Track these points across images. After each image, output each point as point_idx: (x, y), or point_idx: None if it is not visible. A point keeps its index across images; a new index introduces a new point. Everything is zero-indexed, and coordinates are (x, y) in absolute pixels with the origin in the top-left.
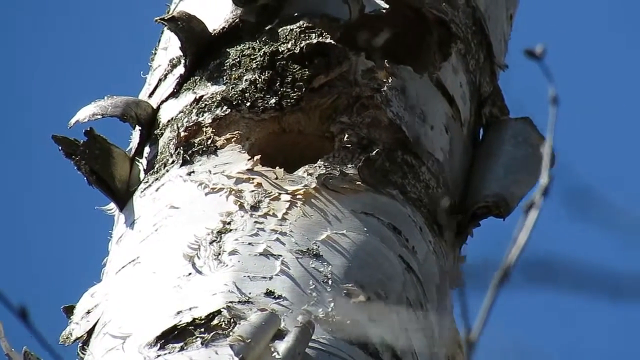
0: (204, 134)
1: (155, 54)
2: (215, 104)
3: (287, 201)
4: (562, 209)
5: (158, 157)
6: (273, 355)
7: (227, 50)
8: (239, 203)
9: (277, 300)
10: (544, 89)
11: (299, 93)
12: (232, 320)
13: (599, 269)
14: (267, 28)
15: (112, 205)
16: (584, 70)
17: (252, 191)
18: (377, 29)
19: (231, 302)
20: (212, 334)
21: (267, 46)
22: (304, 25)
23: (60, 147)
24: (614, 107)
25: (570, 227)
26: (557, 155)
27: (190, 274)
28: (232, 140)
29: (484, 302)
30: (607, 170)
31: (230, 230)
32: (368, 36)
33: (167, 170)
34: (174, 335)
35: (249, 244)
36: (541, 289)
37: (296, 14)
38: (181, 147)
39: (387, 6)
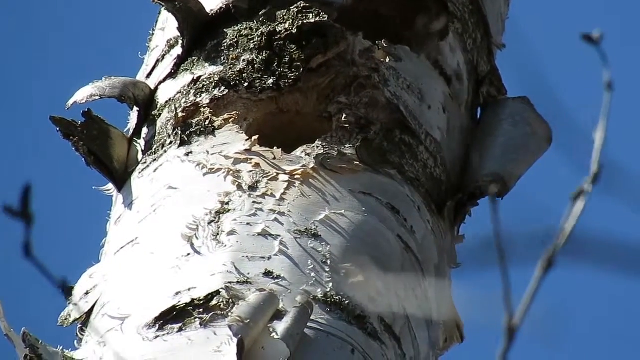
0: (202, 114)
1: (153, 34)
2: (213, 84)
3: (285, 181)
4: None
5: (156, 138)
6: (272, 335)
7: (225, 30)
8: (237, 183)
9: (276, 281)
10: (599, 74)
11: (297, 73)
12: (230, 300)
13: (630, 244)
14: (261, 12)
15: (111, 186)
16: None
17: (250, 171)
18: (436, 13)
19: (230, 282)
20: (210, 314)
21: (264, 26)
22: (302, 5)
23: (58, 128)
24: None
25: (600, 203)
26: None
27: (188, 254)
28: (230, 120)
29: (529, 289)
30: None
31: (229, 210)
32: (427, 21)
33: (165, 151)
34: (172, 316)
35: (247, 224)
36: (577, 266)
37: None
38: (179, 128)
39: None
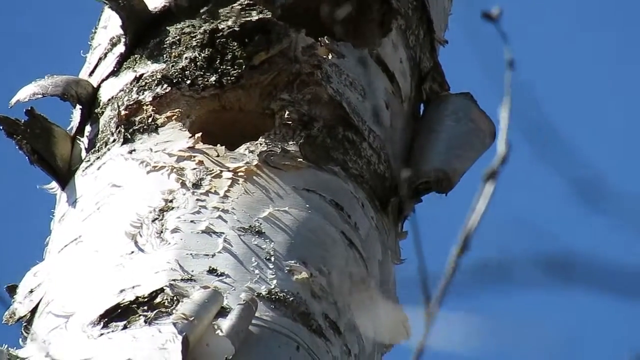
0: (145, 112)
1: (95, 32)
2: (156, 82)
3: (229, 178)
4: (574, 200)
5: (99, 136)
6: (216, 332)
7: (167, 28)
8: (180, 181)
9: (220, 278)
10: (500, 51)
11: (239, 70)
12: (175, 298)
13: (611, 263)
14: (203, 10)
15: (54, 184)
16: (539, 34)
17: (194, 169)
18: (339, 1)
19: (174, 280)
20: (155, 312)
21: (207, 24)
22: (245, 2)
23: (1, 127)
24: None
25: (582, 219)
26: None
27: (132, 252)
28: (173, 118)
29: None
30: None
31: (172, 208)
32: (330, 9)
33: (109, 149)
34: (117, 314)
35: (191, 221)
36: (557, 286)
37: None
38: (122, 126)
39: None
